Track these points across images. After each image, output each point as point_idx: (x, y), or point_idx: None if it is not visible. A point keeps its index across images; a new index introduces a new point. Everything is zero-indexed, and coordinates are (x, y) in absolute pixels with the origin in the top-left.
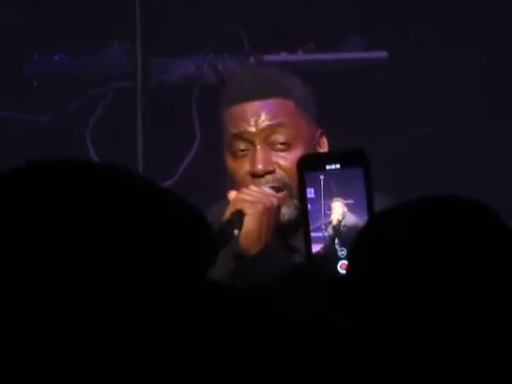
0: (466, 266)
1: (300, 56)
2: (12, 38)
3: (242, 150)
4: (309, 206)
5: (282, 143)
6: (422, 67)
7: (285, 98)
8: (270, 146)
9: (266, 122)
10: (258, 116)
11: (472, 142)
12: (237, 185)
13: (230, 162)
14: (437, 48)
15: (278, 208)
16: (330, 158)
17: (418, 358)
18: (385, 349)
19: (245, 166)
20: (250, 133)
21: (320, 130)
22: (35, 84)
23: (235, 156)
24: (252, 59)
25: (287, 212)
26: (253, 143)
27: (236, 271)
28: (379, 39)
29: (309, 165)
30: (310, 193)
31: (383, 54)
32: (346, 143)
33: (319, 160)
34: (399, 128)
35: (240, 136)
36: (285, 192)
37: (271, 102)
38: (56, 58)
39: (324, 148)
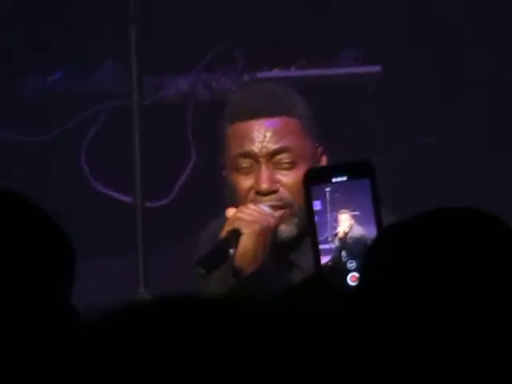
0: (473, 275)
1: (293, 72)
2: (6, 59)
3: (246, 167)
4: (316, 218)
5: (287, 163)
6: (419, 77)
7: (290, 117)
8: (275, 164)
9: (272, 145)
10: (263, 136)
11: (471, 152)
12: (238, 199)
13: (233, 177)
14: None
15: (276, 228)
16: (335, 170)
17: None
18: (393, 357)
19: (248, 181)
20: (255, 153)
21: (321, 149)
22: (29, 104)
23: (238, 171)
24: (245, 76)
25: (287, 229)
26: (258, 161)
27: (231, 291)
28: (373, 52)
29: (315, 178)
30: (317, 205)
31: (377, 68)
32: (342, 158)
33: (325, 173)
34: (397, 140)
35: (245, 155)
36: (284, 211)
37: (277, 121)
38: (50, 77)
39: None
